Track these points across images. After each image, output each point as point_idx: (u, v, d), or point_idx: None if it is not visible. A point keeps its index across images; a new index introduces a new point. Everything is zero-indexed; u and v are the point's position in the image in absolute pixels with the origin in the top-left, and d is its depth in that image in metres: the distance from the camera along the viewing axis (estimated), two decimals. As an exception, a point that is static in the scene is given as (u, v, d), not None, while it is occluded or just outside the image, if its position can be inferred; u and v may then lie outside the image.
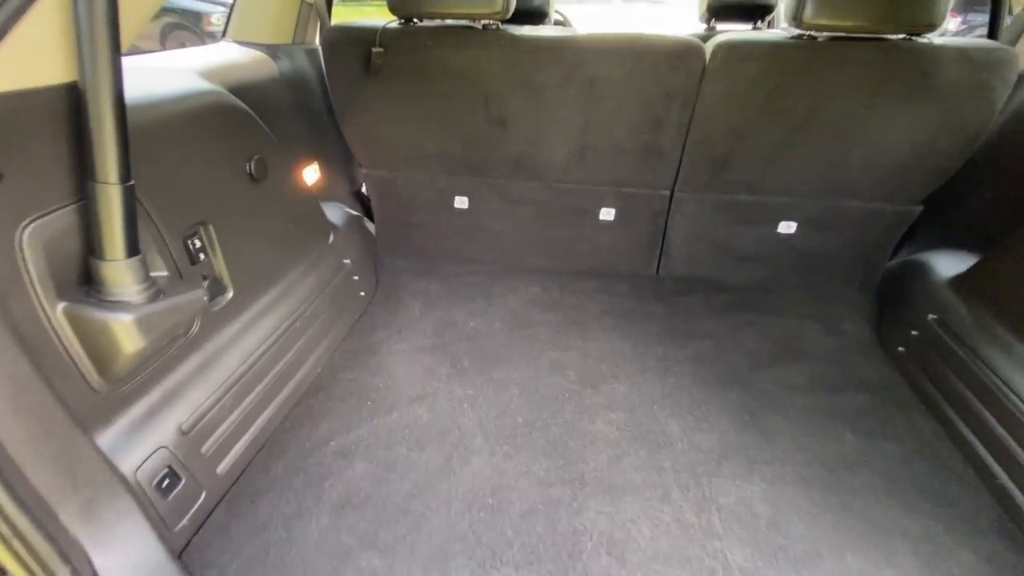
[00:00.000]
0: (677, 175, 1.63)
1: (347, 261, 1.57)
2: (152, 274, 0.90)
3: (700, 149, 1.55)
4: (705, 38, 2.42)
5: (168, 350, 0.96)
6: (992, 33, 1.68)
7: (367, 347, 1.47)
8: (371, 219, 1.96)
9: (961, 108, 1.35)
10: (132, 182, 0.79)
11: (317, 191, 1.71)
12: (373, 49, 1.44)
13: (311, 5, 1.59)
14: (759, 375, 1.39)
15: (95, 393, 0.84)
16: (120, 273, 0.81)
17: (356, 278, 1.60)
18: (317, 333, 1.38)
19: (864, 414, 1.27)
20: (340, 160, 1.85)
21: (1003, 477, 1.06)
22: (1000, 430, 1.10)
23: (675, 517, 1.02)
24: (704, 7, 2.43)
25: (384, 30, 1.45)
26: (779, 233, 1.70)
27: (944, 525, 1.01)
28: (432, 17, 1.45)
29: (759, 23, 2.47)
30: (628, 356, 1.45)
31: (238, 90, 1.30)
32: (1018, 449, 1.05)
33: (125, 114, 0.75)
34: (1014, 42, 1.42)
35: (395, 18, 1.48)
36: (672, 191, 1.68)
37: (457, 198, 1.79)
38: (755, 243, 1.73)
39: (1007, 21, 1.65)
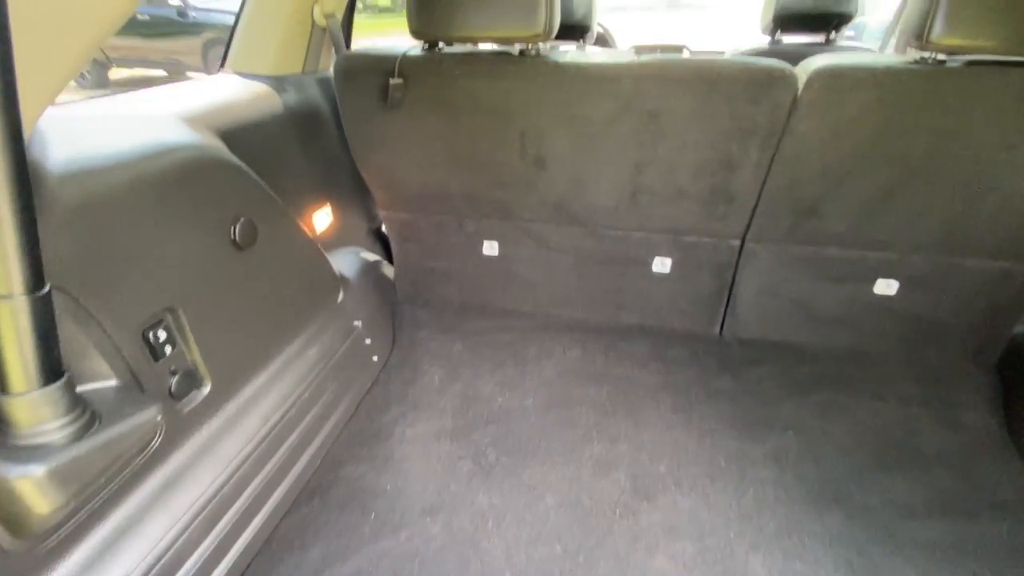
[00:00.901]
0: (750, 223, 1.36)
1: (358, 323, 1.36)
2: (93, 387, 0.69)
3: (782, 195, 1.27)
4: (770, 52, 2.13)
5: (117, 476, 0.76)
6: None
7: (376, 430, 1.24)
8: (391, 261, 1.75)
9: None
10: (47, 288, 0.58)
11: (329, 237, 1.51)
12: (391, 80, 1.23)
13: (324, 29, 1.39)
14: (863, 488, 1.10)
15: (5, 554, 0.64)
16: (31, 409, 0.60)
17: (368, 341, 1.39)
18: (318, 418, 1.16)
19: (1009, 554, 0.97)
20: (358, 198, 1.65)
21: None
22: None
23: None
24: (769, 16, 2.13)
25: (404, 57, 1.23)
26: (876, 294, 1.39)
27: None
28: (461, 41, 1.23)
29: (832, 34, 2.16)
30: (692, 453, 1.18)
31: (233, 133, 1.10)
32: None
33: (31, 199, 0.54)
34: None
35: (418, 42, 1.27)
36: (743, 241, 1.40)
37: (486, 243, 1.56)
38: (844, 304, 1.43)
39: None
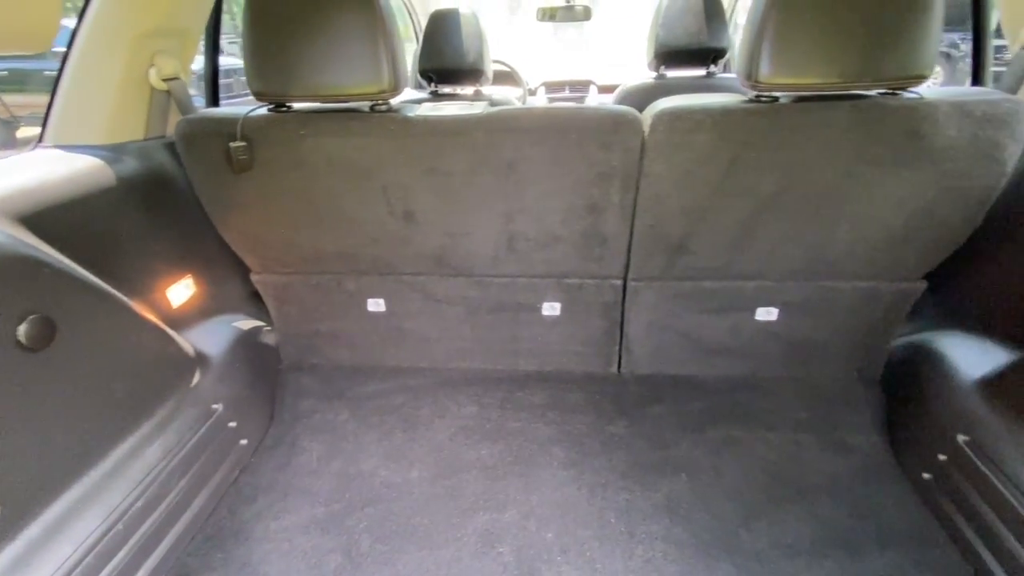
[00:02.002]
0: (628, 263, 1.34)
1: (218, 406, 1.23)
2: None
3: (651, 234, 1.26)
4: (656, 87, 2.20)
5: None
6: (976, 77, 1.45)
7: (237, 528, 1.11)
8: None
9: (964, 171, 1.08)
10: None
11: (191, 309, 1.38)
12: (231, 144, 1.15)
13: (167, 92, 1.30)
14: (752, 533, 1.06)
15: None
16: None
17: (233, 424, 1.26)
18: (159, 526, 1.02)
19: None
20: (230, 263, 1.53)
21: None
22: None
23: None
24: (652, 53, 2.21)
25: (247, 119, 1.16)
26: (758, 320, 1.40)
27: None
28: (305, 100, 1.17)
29: (712, 67, 2.26)
30: (583, 513, 1.12)
31: (43, 216, 0.98)
32: None
33: None
34: (1015, 89, 1.17)
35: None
36: (625, 280, 1.38)
37: (371, 300, 1.48)
38: (730, 333, 1.43)
39: (990, 65, 1.43)
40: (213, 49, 1.61)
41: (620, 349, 1.51)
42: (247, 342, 1.46)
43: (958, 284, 1.33)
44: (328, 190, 1.24)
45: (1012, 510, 0.92)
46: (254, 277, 1.47)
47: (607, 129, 1.11)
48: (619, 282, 1.39)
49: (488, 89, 2.58)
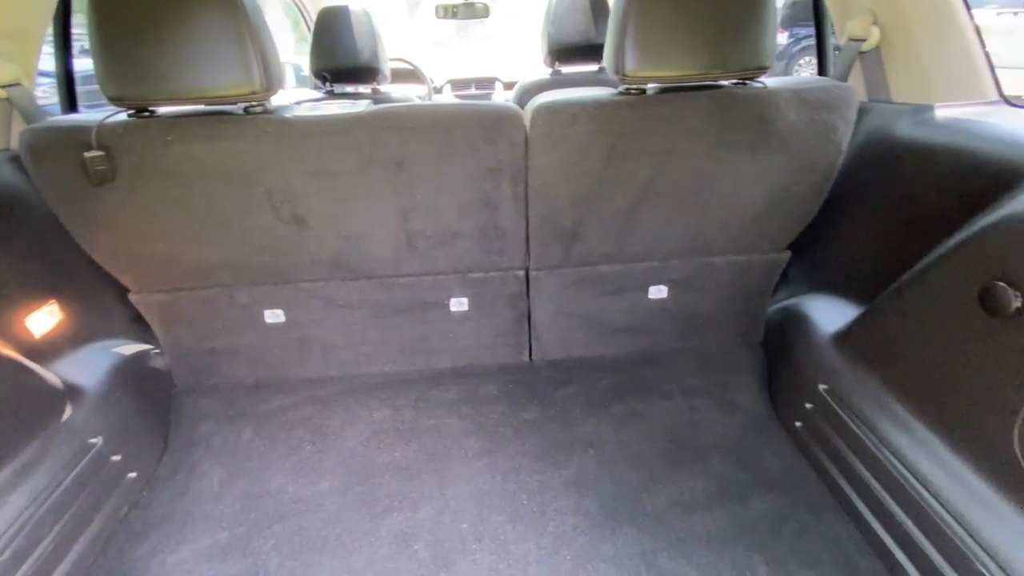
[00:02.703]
0: (527, 253, 1.38)
1: (96, 440, 1.13)
2: None
3: (546, 224, 1.31)
4: (552, 82, 2.27)
5: None
6: (822, 67, 1.63)
7: (127, 569, 1.03)
8: None
9: (807, 151, 1.22)
10: None
11: (58, 337, 1.25)
12: (85, 155, 1.05)
13: (7, 100, 1.17)
14: (653, 495, 1.14)
15: None
16: None
17: (117, 458, 1.16)
18: None
19: (774, 531, 1.06)
20: (102, 284, 1.40)
21: None
22: (923, 541, 0.91)
23: None
24: (545, 51, 2.28)
25: (102, 126, 1.07)
26: (651, 299, 1.50)
27: None
28: (167, 104, 1.09)
29: (603, 63, 2.37)
30: (496, 500, 1.14)
31: None
32: (937, 556, 0.86)
33: None
34: (845, 76, 1.33)
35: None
36: (527, 270, 1.43)
37: (268, 312, 1.42)
38: (627, 313, 1.52)
39: (832, 55, 1.61)
40: (64, 49, 1.47)
41: (530, 338, 1.56)
42: (131, 368, 1.35)
43: (816, 252, 1.49)
44: (206, 198, 1.17)
45: (863, 445, 1.06)
46: (133, 297, 1.36)
47: (491, 125, 1.13)
48: (521, 272, 1.43)
49: (390, 88, 2.55)
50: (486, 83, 3.33)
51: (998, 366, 0.84)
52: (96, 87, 1.05)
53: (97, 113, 1.12)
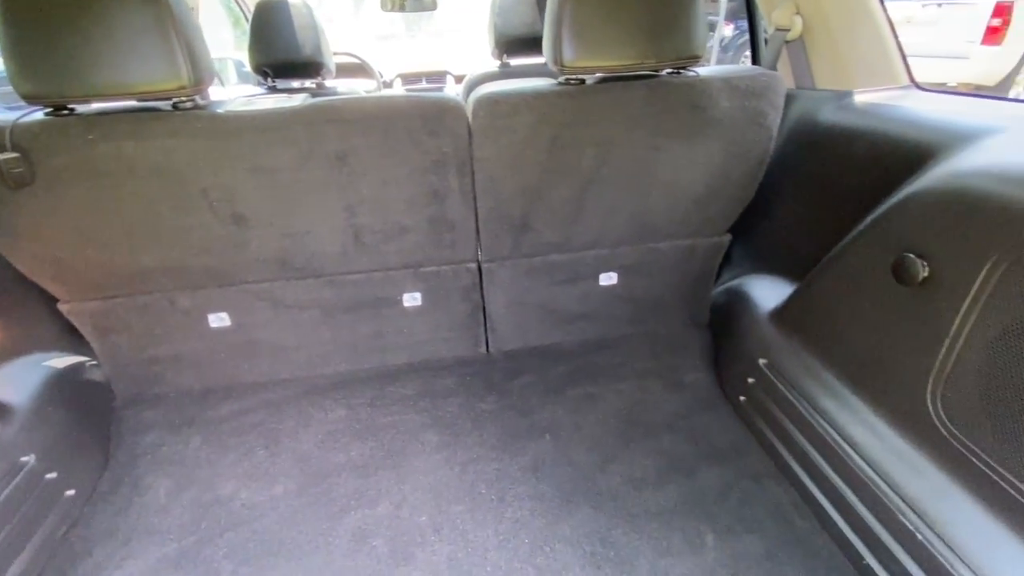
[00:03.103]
0: (478, 246, 1.39)
1: (28, 458, 1.07)
2: None
3: (494, 216, 1.32)
4: (501, 75, 2.27)
5: None
6: (755, 57, 1.70)
7: (68, 589, 0.98)
8: None
9: (741, 138, 1.27)
10: None
11: None
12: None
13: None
14: (607, 475, 1.17)
15: None
16: None
17: (52, 476, 1.10)
18: None
19: (721, 499, 1.11)
20: (28, 294, 1.32)
21: (869, 559, 0.93)
22: (851, 496, 0.98)
23: None
24: (493, 43, 2.28)
25: (16, 126, 1.00)
26: (602, 286, 1.53)
27: None
28: (88, 101, 1.04)
29: None
30: (455, 491, 1.15)
31: None
32: (874, 521, 0.93)
33: None
34: (774, 65, 1.40)
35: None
36: (479, 262, 1.43)
37: (212, 316, 1.37)
38: (580, 301, 1.55)
39: (763, 45, 1.68)
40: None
41: (485, 329, 1.57)
42: (64, 381, 1.28)
43: (755, 234, 1.56)
44: (137, 199, 1.12)
45: (799, 413, 1.12)
46: (63, 307, 1.29)
47: (433, 117, 1.13)
48: (474, 265, 1.43)
49: (335, 83, 2.49)
50: (437, 77, 3.30)
51: (911, 332, 0.91)
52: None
53: (12, 113, 1.06)
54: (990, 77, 4.92)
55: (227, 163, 1.11)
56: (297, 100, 1.15)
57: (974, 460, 0.81)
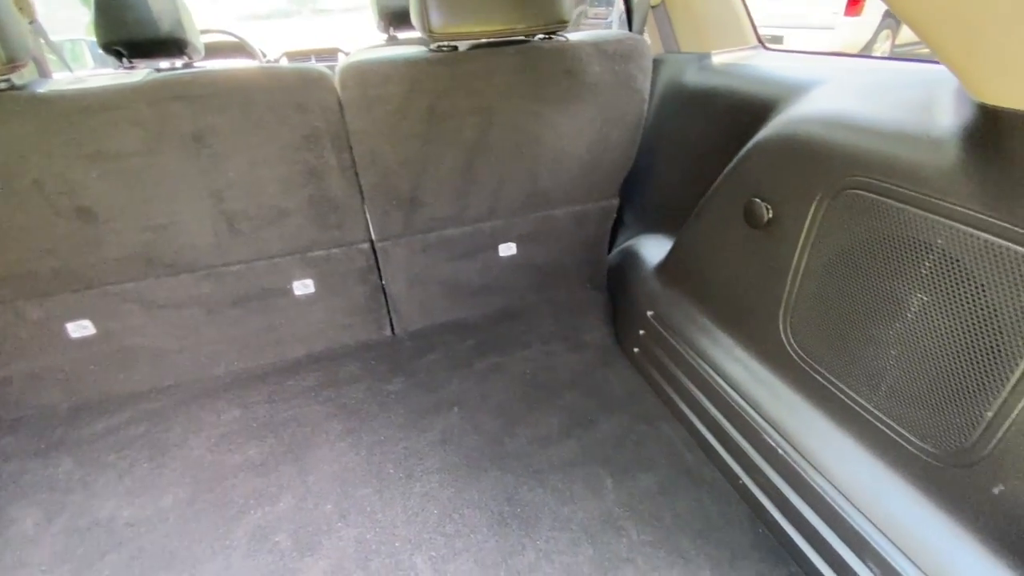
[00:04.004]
0: (368, 225, 1.35)
1: None
2: None
3: (380, 192, 1.28)
4: (388, 49, 2.19)
5: None
6: (629, 23, 1.76)
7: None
8: None
9: (615, 102, 1.32)
10: None
11: None
12: None
13: None
14: (514, 438, 1.20)
15: None
16: None
17: None
18: None
19: (619, 444, 1.18)
20: None
21: (744, 477, 1.03)
22: (728, 426, 1.07)
23: None
24: (377, 16, 2.19)
25: None
26: (502, 257, 1.55)
27: (710, 564, 0.93)
28: None
29: None
30: (361, 475, 1.13)
31: None
32: (746, 444, 1.03)
33: None
34: (642, 30, 1.45)
35: None
36: (372, 243, 1.39)
37: (71, 325, 1.23)
38: (481, 274, 1.56)
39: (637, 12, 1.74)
40: None
41: (388, 311, 1.53)
42: None
43: (642, 196, 1.64)
44: None
45: (682, 357, 1.21)
46: None
47: (296, 89, 1.07)
48: (366, 245, 1.39)
49: (206, 63, 2.28)
50: (327, 55, 3.13)
51: (763, 270, 1.00)
52: None
53: None
54: (853, 46, 5.47)
55: (59, 150, 0.99)
56: (138, 76, 1.04)
57: (817, 377, 0.92)
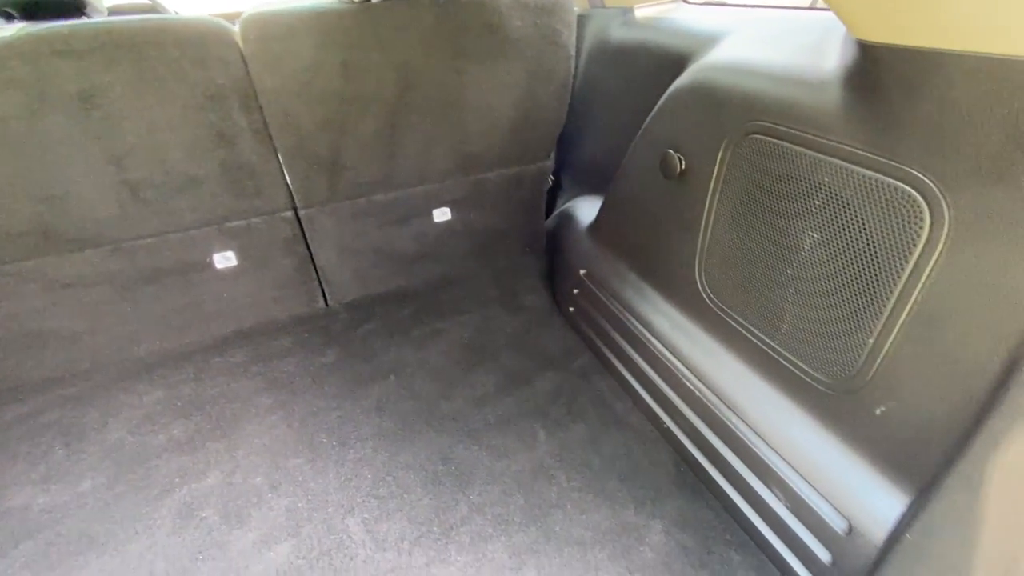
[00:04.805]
0: (290, 192, 1.30)
1: None
2: None
3: (299, 156, 1.23)
4: None
5: None
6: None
7: None
8: None
9: (541, 58, 1.30)
10: None
11: None
12: None
13: None
14: (450, 400, 1.21)
15: None
16: None
17: None
18: None
19: (553, 399, 1.20)
20: None
21: (667, 421, 1.07)
22: (652, 374, 1.11)
23: None
24: None
25: None
26: (437, 223, 1.53)
27: (634, 503, 0.97)
28: None
29: None
30: (292, 447, 1.11)
31: None
32: (668, 390, 1.07)
33: None
34: (567, -16, 1.43)
35: None
36: (295, 211, 1.34)
37: None
38: (417, 240, 1.53)
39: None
40: None
41: (320, 283, 1.49)
42: None
43: (575, 157, 1.64)
44: None
45: (611, 312, 1.23)
46: None
47: (191, 42, 1.00)
48: (290, 213, 1.34)
49: None
50: (147, 11, 2.94)
51: (679, 222, 1.02)
52: None
53: None
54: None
55: None
56: (10, 31, 0.94)
57: (729, 321, 0.96)
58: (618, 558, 0.88)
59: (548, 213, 1.77)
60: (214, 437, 1.14)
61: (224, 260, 1.32)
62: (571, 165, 1.68)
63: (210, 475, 1.06)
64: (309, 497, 1.01)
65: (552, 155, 1.58)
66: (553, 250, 1.64)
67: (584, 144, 1.59)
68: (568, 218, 1.58)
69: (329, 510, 0.98)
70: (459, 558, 0.89)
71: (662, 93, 1.09)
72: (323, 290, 1.50)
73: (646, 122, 1.08)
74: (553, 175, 1.71)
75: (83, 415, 1.19)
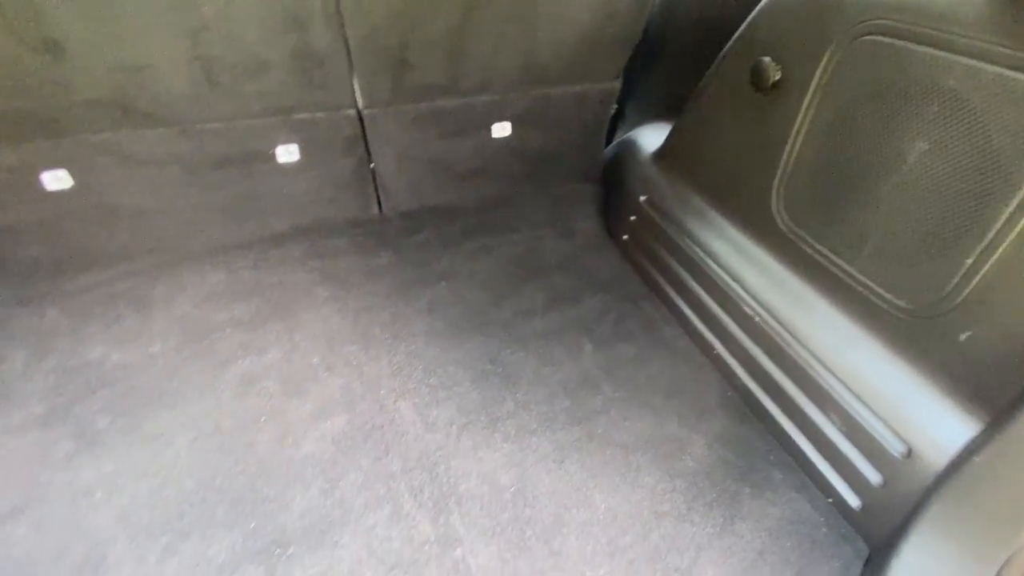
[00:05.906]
0: (354, 87, 1.28)
1: None
2: None
3: (368, 48, 1.20)
4: None
5: None
6: None
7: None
8: None
9: None
10: None
11: None
12: None
13: None
14: (499, 309, 1.22)
15: None
16: None
17: None
18: None
19: (600, 318, 1.20)
20: None
21: (718, 347, 1.07)
22: (708, 300, 1.09)
23: (407, 538, 0.80)
24: None
25: None
26: (495, 138, 1.50)
27: (677, 417, 0.98)
28: None
29: None
30: (348, 335, 1.15)
31: None
32: (724, 316, 1.05)
33: None
34: None
35: None
36: (358, 109, 1.33)
37: (47, 174, 1.18)
38: (474, 155, 1.51)
39: None
40: None
41: (376, 189, 1.50)
42: None
43: (645, 81, 1.57)
44: None
45: (671, 239, 1.21)
46: None
47: None
48: (353, 112, 1.33)
49: None
50: None
51: (763, 140, 0.97)
52: None
53: None
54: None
55: None
56: None
57: (804, 248, 0.92)
58: (659, 463, 0.90)
59: (607, 143, 1.72)
60: (273, 319, 1.18)
61: (287, 153, 1.33)
62: (638, 91, 1.61)
63: (270, 352, 1.11)
64: (363, 380, 1.05)
65: (620, 78, 1.51)
66: (611, 178, 1.60)
67: (656, 66, 1.52)
68: (630, 144, 1.53)
69: (382, 392, 1.02)
70: (505, 445, 0.92)
71: (751, 6, 1.02)
72: (378, 196, 1.51)
73: (739, 30, 1.01)
74: (617, 103, 1.64)
75: (151, 288, 1.25)
